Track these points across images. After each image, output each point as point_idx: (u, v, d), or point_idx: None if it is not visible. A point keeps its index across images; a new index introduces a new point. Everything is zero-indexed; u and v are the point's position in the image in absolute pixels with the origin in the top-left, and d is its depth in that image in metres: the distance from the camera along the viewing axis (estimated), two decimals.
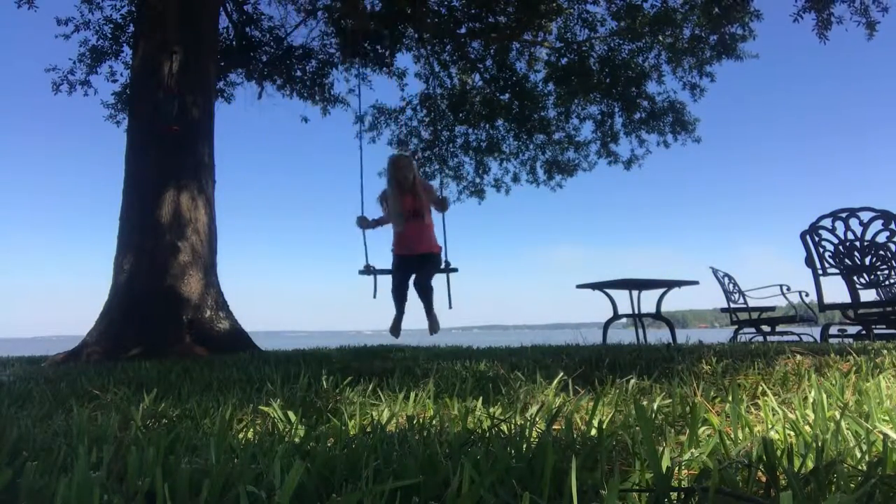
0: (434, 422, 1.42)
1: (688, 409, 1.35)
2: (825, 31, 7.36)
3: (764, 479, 0.87)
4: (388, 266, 5.21)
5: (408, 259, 5.03)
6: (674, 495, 0.82)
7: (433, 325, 5.18)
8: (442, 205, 5.12)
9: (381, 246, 5.42)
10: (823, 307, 5.13)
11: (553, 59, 10.14)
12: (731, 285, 6.71)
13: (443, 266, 5.11)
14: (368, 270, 5.16)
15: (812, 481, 0.83)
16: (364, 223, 5.19)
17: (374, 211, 5.34)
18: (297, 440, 1.24)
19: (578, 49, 9.75)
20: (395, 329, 5.23)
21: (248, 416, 1.70)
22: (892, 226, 4.62)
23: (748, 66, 9.24)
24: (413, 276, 5.00)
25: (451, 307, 5.24)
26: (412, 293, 5.08)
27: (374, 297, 5.12)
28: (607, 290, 6.19)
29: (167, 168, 5.70)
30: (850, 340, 4.62)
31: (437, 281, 5.18)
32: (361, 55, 9.29)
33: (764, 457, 0.87)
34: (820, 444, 0.93)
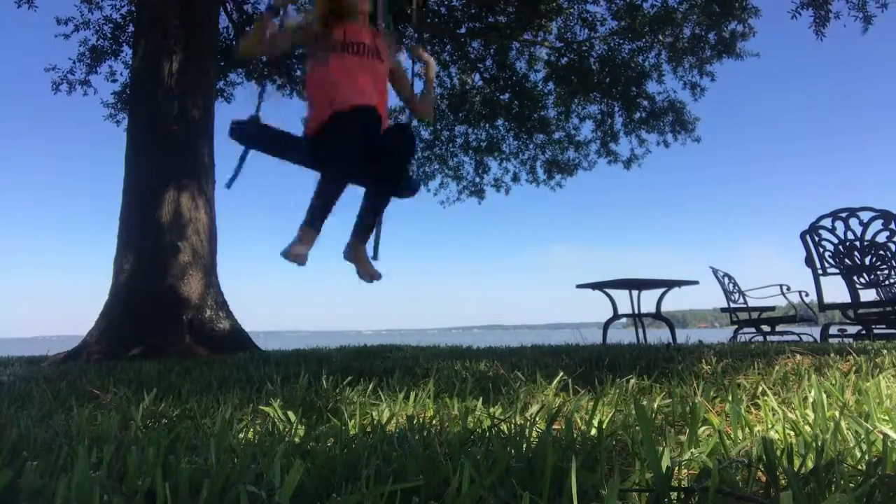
0: (434, 422, 1.42)
1: (688, 409, 1.35)
2: (822, 27, 7.38)
3: (764, 479, 0.87)
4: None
5: (352, 117, 2.61)
6: (674, 495, 0.82)
7: (372, 270, 2.94)
8: (422, 104, 3.12)
9: None
10: (823, 307, 5.14)
11: (553, 59, 10.14)
12: (731, 285, 6.71)
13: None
14: (246, 130, 2.76)
15: (812, 481, 0.83)
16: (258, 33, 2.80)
17: None
18: (297, 440, 1.25)
19: (578, 49, 9.74)
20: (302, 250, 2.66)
21: (248, 416, 1.70)
22: (892, 226, 4.62)
23: (749, 65, 9.25)
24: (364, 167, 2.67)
25: (376, 257, 3.03)
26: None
27: (229, 186, 2.90)
28: (607, 290, 6.19)
29: (167, 168, 5.70)
30: (850, 340, 4.62)
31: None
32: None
33: (764, 457, 0.87)
34: (820, 444, 0.93)
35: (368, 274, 2.91)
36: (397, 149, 2.73)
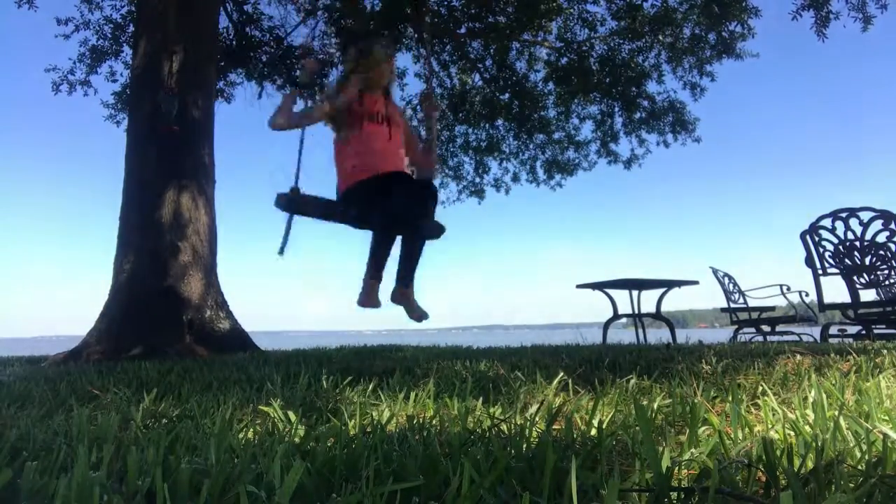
0: (434, 422, 1.42)
1: (688, 409, 1.35)
2: (823, 28, 7.38)
3: (764, 479, 0.87)
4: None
5: (378, 183, 3.01)
6: (674, 495, 0.82)
7: (418, 310, 3.21)
8: (428, 159, 3.39)
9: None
10: (823, 307, 5.14)
11: (553, 59, 10.14)
12: (731, 285, 6.71)
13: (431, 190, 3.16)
14: (289, 200, 3.08)
15: (812, 481, 0.83)
16: (286, 109, 3.06)
17: None
18: (297, 440, 1.24)
19: (578, 49, 9.75)
20: (370, 298, 3.17)
21: (248, 416, 1.70)
22: (892, 226, 4.62)
23: (749, 65, 9.25)
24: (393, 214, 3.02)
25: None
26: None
27: (281, 253, 3.18)
28: (607, 290, 6.19)
29: (167, 168, 5.70)
30: (850, 340, 4.62)
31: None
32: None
33: (764, 457, 0.87)
34: (820, 444, 0.93)
35: (417, 314, 3.22)
36: (424, 203, 3.05)
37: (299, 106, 3.15)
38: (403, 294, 3.18)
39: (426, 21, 8.23)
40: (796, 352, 2.66)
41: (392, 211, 2.99)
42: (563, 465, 0.90)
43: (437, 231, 3.19)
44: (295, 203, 3.12)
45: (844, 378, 1.80)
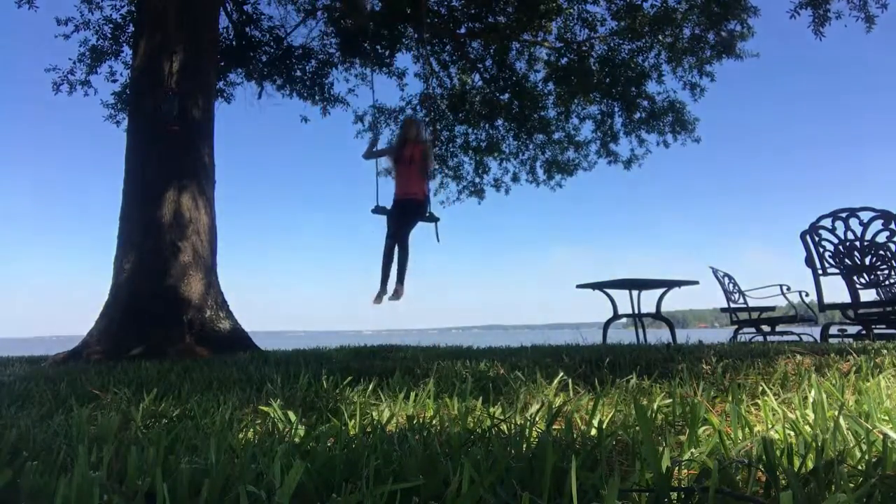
0: (434, 422, 1.42)
1: (688, 409, 1.35)
2: (821, 27, 7.38)
3: (764, 479, 0.87)
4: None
5: (401, 203, 5.64)
6: (674, 495, 0.82)
7: (399, 291, 5.65)
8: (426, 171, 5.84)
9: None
10: (823, 307, 5.13)
11: (553, 59, 10.14)
12: (731, 285, 6.71)
13: (427, 216, 5.68)
14: (379, 210, 5.77)
15: (812, 481, 0.83)
16: (370, 150, 6.07)
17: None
18: (297, 440, 1.24)
19: (578, 49, 9.75)
20: (379, 298, 5.72)
21: (248, 416, 1.70)
22: (892, 226, 4.62)
23: (748, 65, 9.25)
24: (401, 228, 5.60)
25: (438, 241, 5.73)
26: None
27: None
28: (607, 290, 6.19)
29: (167, 168, 5.70)
30: (850, 340, 4.62)
31: (425, 228, 5.75)
32: (361, 55, 9.30)
33: (764, 457, 0.88)
34: (820, 444, 0.93)
35: (396, 294, 5.65)
36: (409, 215, 5.71)
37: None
38: (399, 279, 5.65)
39: (426, 21, 8.24)
40: (796, 352, 2.66)
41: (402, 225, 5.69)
42: (563, 465, 0.90)
43: (429, 219, 5.74)
44: (381, 211, 5.79)
45: (844, 378, 1.80)
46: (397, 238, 5.64)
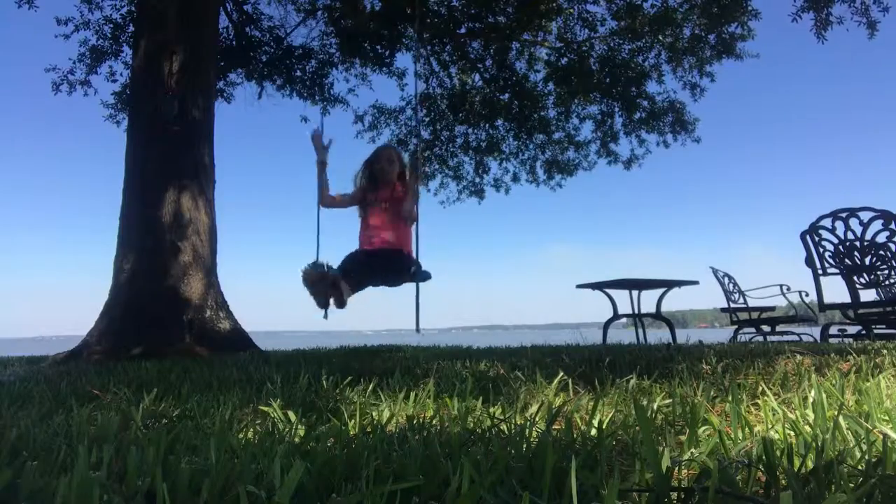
0: (434, 422, 1.42)
1: (688, 409, 1.35)
2: (823, 30, 7.36)
3: (764, 479, 0.87)
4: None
5: (370, 256, 3.71)
6: (674, 495, 0.82)
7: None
8: (409, 217, 3.81)
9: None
10: (823, 307, 5.13)
11: (553, 59, 10.13)
12: (731, 285, 6.71)
13: (413, 270, 3.70)
14: (315, 271, 3.50)
15: (812, 481, 0.83)
16: (318, 149, 3.88)
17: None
18: (297, 440, 1.25)
19: (578, 49, 9.74)
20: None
21: (248, 416, 1.70)
22: (892, 226, 4.61)
23: (748, 65, 9.25)
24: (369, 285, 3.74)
25: (418, 331, 3.88)
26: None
27: (325, 317, 3.63)
28: (607, 290, 6.18)
29: (167, 168, 5.70)
30: (850, 340, 4.62)
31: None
32: (361, 55, 9.30)
33: (764, 457, 0.88)
34: (820, 444, 0.93)
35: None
36: (390, 274, 3.75)
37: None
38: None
39: (425, 21, 8.24)
40: (796, 352, 2.66)
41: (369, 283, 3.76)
42: (563, 465, 0.90)
43: (421, 279, 3.76)
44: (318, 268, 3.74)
45: (844, 378, 1.80)
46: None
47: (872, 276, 4.81)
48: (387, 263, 3.73)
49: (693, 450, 1.04)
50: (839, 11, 7.33)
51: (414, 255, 3.80)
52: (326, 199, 3.88)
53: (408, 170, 3.99)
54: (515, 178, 11.40)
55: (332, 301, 3.53)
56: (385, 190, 3.90)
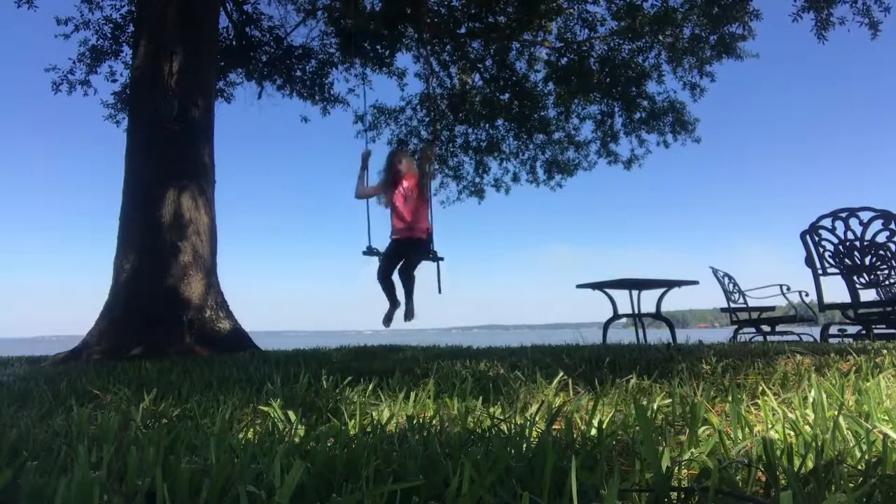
0: (434, 422, 1.42)
1: (688, 409, 1.35)
2: (824, 31, 7.35)
3: (764, 478, 0.87)
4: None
5: (400, 242, 5.20)
6: (674, 495, 0.82)
7: (410, 312, 5.38)
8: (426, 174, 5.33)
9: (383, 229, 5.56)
10: (823, 307, 5.13)
11: (553, 59, 10.13)
12: (731, 285, 6.71)
13: (430, 256, 5.26)
14: (371, 252, 5.38)
15: (812, 481, 0.83)
16: (361, 187, 5.41)
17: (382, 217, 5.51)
18: (297, 440, 1.24)
19: (578, 49, 9.74)
20: (388, 319, 5.40)
21: (248, 416, 1.70)
22: (892, 226, 4.61)
23: (748, 65, 9.25)
24: (400, 264, 5.20)
25: (440, 291, 5.41)
26: (397, 281, 5.32)
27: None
28: (607, 290, 6.19)
29: (167, 168, 5.70)
30: (850, 340, 4.62)
31: (428, 270, 5.38)
32: (361, 55, 9.30)
33: (764, 457, 0.88)
34: (820, 444, 0.93)
35: (407, 316, 5.37)
36: (412, 255, 5.26)
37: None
38: (408, 302, 5.33)
39: (425, 21, 8.24)
40: (796, 352, 2.66)
41: (400, 262, 5.28)
42: (563, 465, 0.90)
43: (433, 258, 5.33)
44: (373, 253, 5.45)
45: (844, 378, 1.80)
46: (395, 275, 5.29)
47: (872, 276, 4.81)
48: (413, 247, 5.19)
49: (693, 450, 1.04)
50: (841, 12, 7.32)
51: (431, 230, 5.26)
52: (366, 192, 5.42)
53: (420, 154, 5.35)
54: (515, 178, 11.42)
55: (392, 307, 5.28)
56: (401, 182, 5.23)
